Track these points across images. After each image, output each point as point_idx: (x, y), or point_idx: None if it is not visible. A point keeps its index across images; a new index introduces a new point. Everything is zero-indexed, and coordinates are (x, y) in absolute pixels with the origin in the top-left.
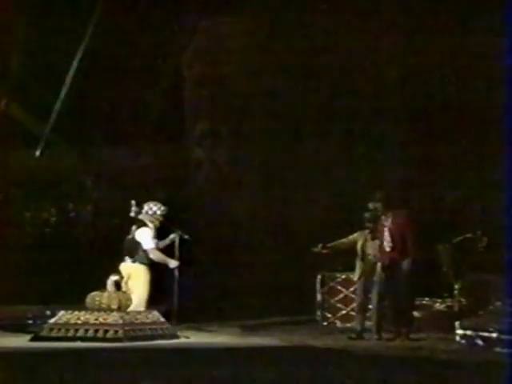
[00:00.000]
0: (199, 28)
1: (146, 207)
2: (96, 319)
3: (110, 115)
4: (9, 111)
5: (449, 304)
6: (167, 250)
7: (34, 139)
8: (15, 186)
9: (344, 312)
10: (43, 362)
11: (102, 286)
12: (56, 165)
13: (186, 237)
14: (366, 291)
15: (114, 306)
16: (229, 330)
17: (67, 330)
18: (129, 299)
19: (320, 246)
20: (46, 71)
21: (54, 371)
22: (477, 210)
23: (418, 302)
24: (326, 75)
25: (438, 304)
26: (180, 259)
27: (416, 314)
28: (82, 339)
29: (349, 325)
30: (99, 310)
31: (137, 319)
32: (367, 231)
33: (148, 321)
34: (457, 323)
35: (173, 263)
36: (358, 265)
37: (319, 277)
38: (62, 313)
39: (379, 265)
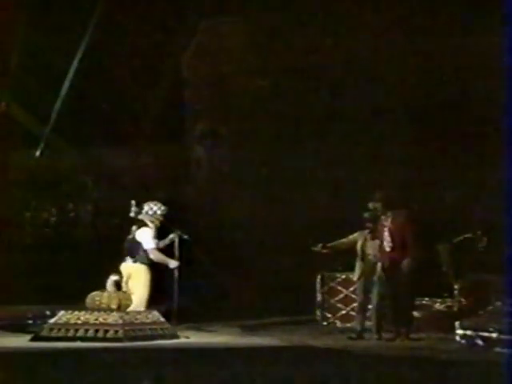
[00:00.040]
0: (199, 28)
1: (146, 207)
2: (96, 319)
3: (110, 115)
4: (9, 111)
5: (449, 304)
6: (167, 250)
7: (34, 139)
8: (15, 185)
9: (344, 312)
10: (43, 361)
11: (102, 286)
12: (56, 165)
13: (186, 237)
14: (366, 291)
15: (114, 306)
16: (229, 330)
17: (67, 330)
18: (128, 299)
19: (320, 245)
20: (46, 71)
21: (54, 371)
22: (477, 210)
23: (418, 302)
24: (326, 75)
25: (438, 304)
26: (180, 259)
27: (416, 314)
28: (82, 339)
29: (349, 325)
30: (99, 309)
31: (137, 319)
32: (367, 231)
33: (148, 321)
34: (457, 323)
35: (172, 263)
36: (358, 265)
37: (319, 277)
38: (62, 313)
39: (379, 265)
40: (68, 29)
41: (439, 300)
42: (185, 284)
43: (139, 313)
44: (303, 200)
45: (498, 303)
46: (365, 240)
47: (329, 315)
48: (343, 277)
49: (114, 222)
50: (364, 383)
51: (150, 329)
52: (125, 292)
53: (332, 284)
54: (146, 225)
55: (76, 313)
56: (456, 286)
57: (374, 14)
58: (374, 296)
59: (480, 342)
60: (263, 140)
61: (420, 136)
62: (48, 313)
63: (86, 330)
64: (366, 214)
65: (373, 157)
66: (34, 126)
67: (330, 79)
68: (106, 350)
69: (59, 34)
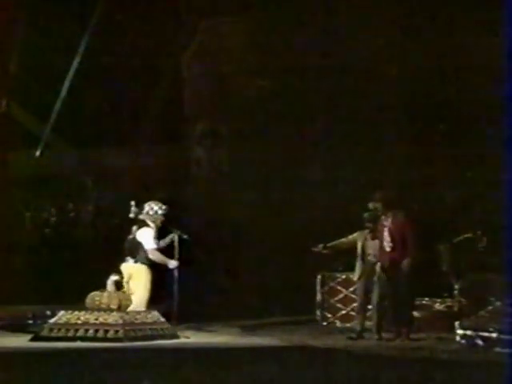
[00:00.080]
0: (199, 28)
1: (146, 207)
2: (96, 319)
3: (110, 115)
4: (9, 111)
5: (449, 304)
6: (167, 250)
7: (34, 139)
8: (15, 185)
9: (344, 312)
10: (43, 362)
11: (102, 286)
12: (56, 165)
13: (185, 236)
14: (366, 291)
15: (114, 306)
16: (229, 330)
17: (67, 330)
18: (128, 299)
19: (320, 245)
20: (46, 71)
21: (54, 371)
22: (477, 210)
23: (418, 302)
24: (326, 75)
25: (437, 304)
26: (180, 259)
27: (416, 314)
28: (82, 339)
29: (349, 325)
30: (99, 309)
31: (137, 319)
32: (367, 231)
33: (148, 321)
34: (457, 323)
35: (172, 264)
36: (358, 265)
37: (319, 277)
38: (62, 313)
39: (379, 265)
40: (68, 29)
41: (439, 300)
42: (185, 284)
43: (139, 313)
44: (303, 200)
45: (498, 303)
46: (365, 240)
47: (329, 315)
48: (343, 277)
49: (114, 222)
50: (364, 383)
51: (150, 329)
52: (125, 292)
53: (332, 284)
54: (146, 225)
55: (76, 313)
56: (456, 286)
57: (374, 14)
58: (374, 296)
59: (480, 342)
60: (263, 140)
61: (420, 136)
62: (48, 313)
63: (86, 330)
64: (366, 214)
65: (373, 157)
66: (34, 125)
67: (330, 79)
68: (106, 350)
69: (59, 33)
